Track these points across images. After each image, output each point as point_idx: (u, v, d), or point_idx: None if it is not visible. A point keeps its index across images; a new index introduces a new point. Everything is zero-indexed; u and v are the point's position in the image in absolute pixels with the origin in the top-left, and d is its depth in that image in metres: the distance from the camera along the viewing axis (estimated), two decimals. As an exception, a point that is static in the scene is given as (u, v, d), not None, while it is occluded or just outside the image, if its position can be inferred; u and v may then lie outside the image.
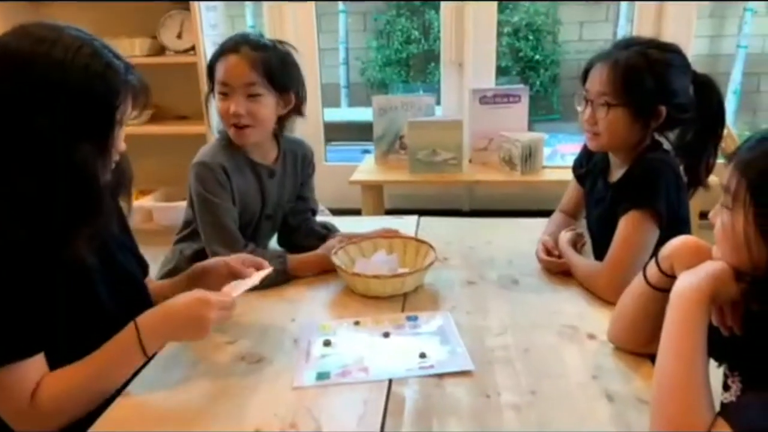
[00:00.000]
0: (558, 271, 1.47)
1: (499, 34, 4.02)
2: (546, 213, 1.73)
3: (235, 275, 1.24)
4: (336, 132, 4.26)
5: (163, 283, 1.39)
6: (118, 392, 1.04)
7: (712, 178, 1.39)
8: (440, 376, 1.07)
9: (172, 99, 2.83)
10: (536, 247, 1.54)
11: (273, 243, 1.72)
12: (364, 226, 1.66)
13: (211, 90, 1.52)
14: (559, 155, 2.72)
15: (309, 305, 1.37)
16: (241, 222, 1.52)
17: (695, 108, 1.37)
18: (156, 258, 1.58)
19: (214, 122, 1.71)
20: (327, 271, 1.48)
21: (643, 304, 1.07)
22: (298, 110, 1.57)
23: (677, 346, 0.87)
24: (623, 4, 5.15)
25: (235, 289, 1.18)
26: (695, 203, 1.45)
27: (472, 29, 2.97)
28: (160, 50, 2.80)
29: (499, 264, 1.55)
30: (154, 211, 2.82)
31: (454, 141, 2.60)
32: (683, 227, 1.35)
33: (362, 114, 4.36)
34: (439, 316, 1.28)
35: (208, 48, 2.67)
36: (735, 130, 2.93)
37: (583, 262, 1.44)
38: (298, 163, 1.67)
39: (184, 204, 1.62)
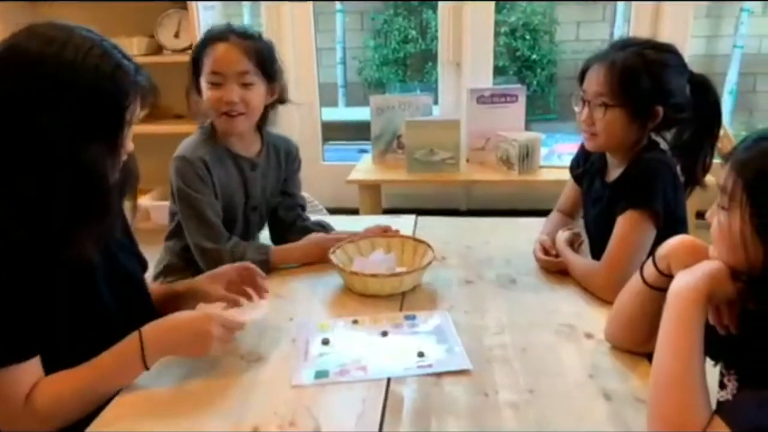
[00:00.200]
0: (555, 270, 1.47)
1: (497, 34, 4.02)
2: (543, 212, 1.74)
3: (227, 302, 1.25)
4: (333, 131, 4.24)
5: (156, 288, 1.37)
6: (117, 392, 1.04)
7: (709, 178, 1.39)
8: (438, 375, 1.08)
9: (169, 98, 2.79)
10: (534, 246, 1.54)
11: (268, 242, 1.71)
12: (361, 225, 1.66)
13: (195, 83, 1.51)
14: (556, 155, 2.72)
15: (307, 304, 1.37)
16: (227, 215, 1.53)
17: (692, 108, 1.37)
18: (154, 256, 1.58)
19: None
20: (313, 262, 1.52)
21: (640, 303, 1.07)
22: (280, 100, 1.59)
23: (674, 345, 0.87)
24: (620, 4, 5.14)
25: (243, 313, 1.19)
26: (692, 203, 1.46)
27: (470, 29, 2.96)
28: (158, 49, 2.79)
29: (497, 263, 1.56)
30: (152, 210, 2.81)
31: (452, 140, 2.60)
32: (680, 227, 1.35)
33: (360, 113, 4.34)
34: (437, 316, 1.28)
35: (206, 47, 2.66)
36: (731, 130, 2.93)
37: (581, 261, 1.44)
38: (282, 157, 1.68)
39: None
